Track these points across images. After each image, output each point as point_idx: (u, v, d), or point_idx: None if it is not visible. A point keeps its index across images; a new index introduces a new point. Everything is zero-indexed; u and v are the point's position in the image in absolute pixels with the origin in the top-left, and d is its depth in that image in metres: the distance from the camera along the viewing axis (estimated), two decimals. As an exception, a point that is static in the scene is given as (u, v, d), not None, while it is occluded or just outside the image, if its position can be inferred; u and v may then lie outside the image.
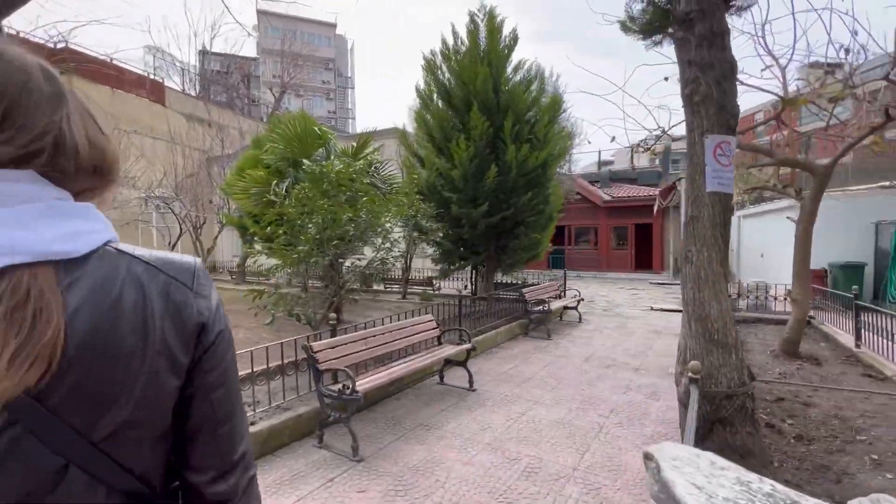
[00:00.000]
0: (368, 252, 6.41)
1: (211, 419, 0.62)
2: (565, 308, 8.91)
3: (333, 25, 47.71)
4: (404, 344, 4.72)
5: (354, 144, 7.55)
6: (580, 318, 8.93)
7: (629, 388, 4.98)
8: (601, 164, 25.46)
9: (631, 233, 19.77)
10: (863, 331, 5.64)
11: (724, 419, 2.40)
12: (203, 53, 31.02)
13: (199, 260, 0.66)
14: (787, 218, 7.20)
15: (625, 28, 3.71)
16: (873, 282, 9.18)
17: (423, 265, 13.14)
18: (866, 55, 4.29)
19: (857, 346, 5.62)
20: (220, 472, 0.63)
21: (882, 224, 9.28)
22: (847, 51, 4.20)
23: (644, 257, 20.57)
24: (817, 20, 4.78)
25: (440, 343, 5.20)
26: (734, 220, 17.30)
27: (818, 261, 10.05)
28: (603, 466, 3.26)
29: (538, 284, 9.18)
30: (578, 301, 9.02)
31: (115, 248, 0.59)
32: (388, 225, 5.99)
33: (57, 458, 0.51)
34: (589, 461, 3.34)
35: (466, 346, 5.03)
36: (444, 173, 7.86)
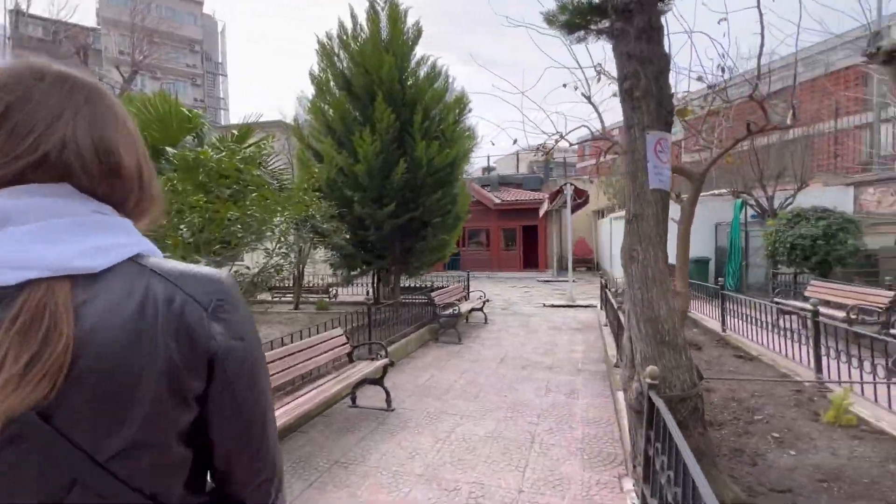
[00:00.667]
0: (252, 258, 5.45)
1: (235, 443, 0.63)
2: (471, 310, 8.84)
3: (200, 3, 42.29)
4: (311, 366, 4.00)
5: (235, 133, 6.43)
6: (486, 319, 8.95)
7: (549, 388, 4.96)
8: (488, 169, 26.65)
9: (519, 234, 20.96)
10: (727, 317, 6.52)
11: (679, 423, 2.30)
12: (17, 13, 24.75)
13: (227, 276, 0.64)
14: (672, 219, 8.05)
15: (550, 21, 3.59)
16: (714, 273, 10.92)
17: (315, 271, 12.08)
18: (731, 75, 4.86)
19: (724, 330, 6.47)
20: (253, 485, 0.65)
21: (720, 225, 11.10)
22: (723, 69, 4.66)
23: (531, 257, 21.98)
24: (688, 42, 5.37)
25: (352, 360, 4.57)
26: (606, 222, 19.48)
27: (674, 256, 11.70)
28: (547, 482, 3.04)
29: (445, 287, 8.95)
30: (484, 302, 9.03)
31: (141, 263, 0.58)
32: (283, 226, 5.14)
33: (62, 475, 0.51)
34: (531, 479, 3.09)
35: (383, 361, 4.50)
36: (346, 169, 7.16)
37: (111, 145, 0.59)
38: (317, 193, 6.37)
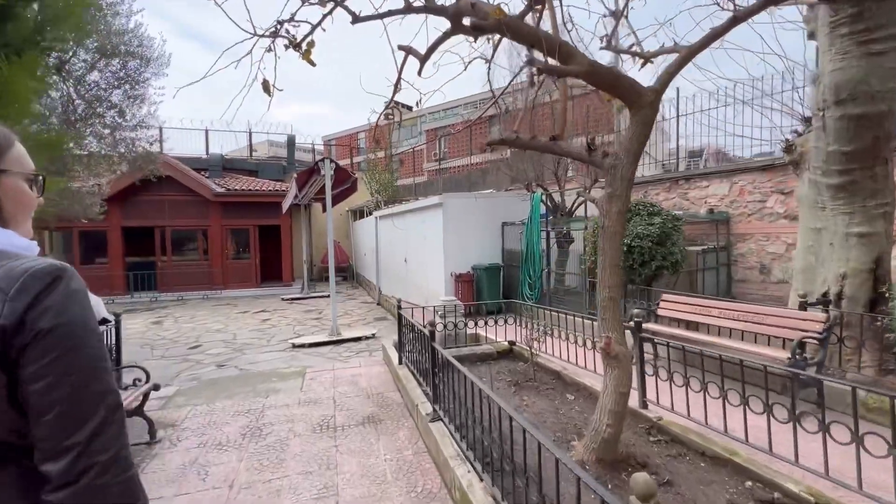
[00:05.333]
0: None
1: (36, 406, 0.71)
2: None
3: None
4: None
5: None
6: (153, 435, 3.84)
7: None
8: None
9: (254, 236, 15.48)
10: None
11: None
12: None
13: (45, 266, 0.75)
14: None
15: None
16: (503, 283, 9.08)
17: None
18: None
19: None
20: (48, 454, 0.71)
21: (507, 225, 9.39)
22: None
23: (271, 267, 16.77)
24: None
25: None
26: (367, 223, 16.35)
27: (467, 262, 9.48)
28: None
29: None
30: (144, 398, 3.93)
31: None
32: None
33: None
34: None
35: None
36: None
37: None
38: None
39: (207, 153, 17.66)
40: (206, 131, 18.77)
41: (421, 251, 9.95)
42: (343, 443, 3.55)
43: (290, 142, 18.85)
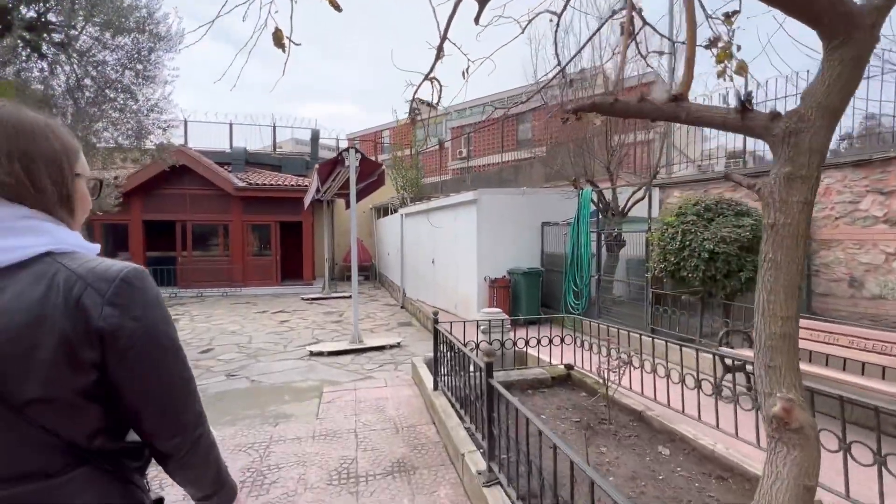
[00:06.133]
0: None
1: (140, 403, 0.79)
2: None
3: None
4: None
5: None
6: None
7: None
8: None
9: (275, 233, 14.95)
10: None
11: None
12: None
13: (131, 270, 0.80)
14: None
15: None
16: (541, 290, 8.12)
17: None
18: None
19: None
20: (163, 437, 0.82)
21: (547, 226, 8.45)
22: None
23: (292, 265, 16.24)
24: None
25: None
26: (391, 221, 15.63)
27: (502, 265, 8.58)
28: None
29: None
30: None
31: (55, 259, 0.76)
32: None
33: None
34: None
35: None
36: None
37: (33, 167, 0.78)
38: None
39: (231, 147, 17.26)
40: (231, 125, 18.43)
41: (451, 252, 9.10)
42: (367, 502, 2.72)
43: (314, 137, 18.30)
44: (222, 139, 18.30)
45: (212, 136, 18.23)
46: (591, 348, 4.14)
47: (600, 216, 7.42)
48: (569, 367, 4.32)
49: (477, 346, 3.99)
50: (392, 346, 7.30)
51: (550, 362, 4.30)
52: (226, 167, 15.39)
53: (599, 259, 6.95)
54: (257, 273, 14.84)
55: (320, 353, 6.88)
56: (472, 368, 2.98)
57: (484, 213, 7.99)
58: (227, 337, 8.17)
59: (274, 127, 18.65)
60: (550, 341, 4.20)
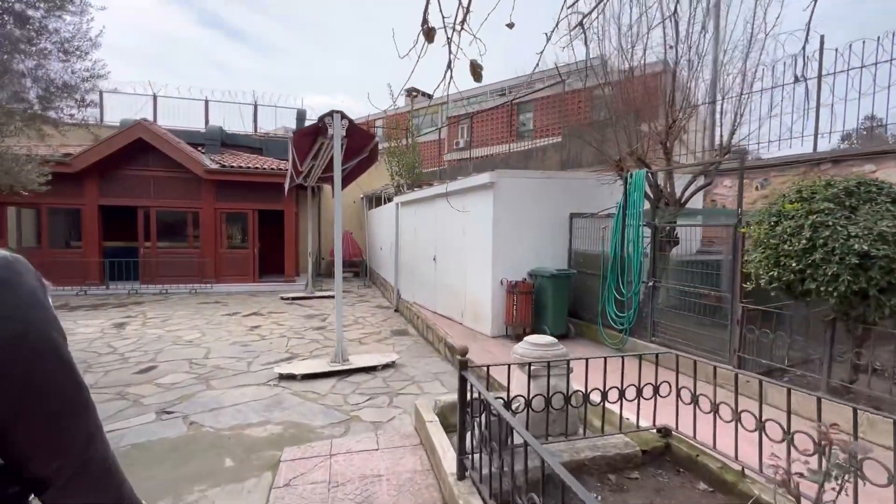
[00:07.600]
0: None
1: (7, 421, 0.64)
2: None
3: None
4: None
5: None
6: None
7: None
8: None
9: (252, 223, 13.20)
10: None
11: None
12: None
13: (11, 264, 0.66)
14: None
15: None
16: (569, 297, 6.54)
17: None
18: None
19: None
20: (39, 461, 0.67)
21: (577, 217, 6.88)
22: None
23: (272, 258, 14.54)
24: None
25: None
26: (386, 210, 13.91)
27: (523, 265, 7.00)
28: None
29: None
30: None
31: None
32: None
33: None
34: None
35: None
36: None
37: None
38: None
39: (206, 126, 15.42)
40: (206, 101, 16.55)
41: (458, 248, 7.50)
42: None
43: (300, 117, 16.51)
44: (198, 118, 16.44)
45: (187, 115, 16.30)
46: (692, 400, 2.59)
47: (648, 206, 5.88)
48: (664, 431, 2.76)
49: (528, 403, 2.41)
50: (385, 367, 5.72)
51: (637, 424, 2.73)
52: (199, 148, 13.58)
53: (654, 261, 5.41)
54: (232, 268, 13.10)
55: (292, 377, 5.27)
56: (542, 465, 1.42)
57: (502, 201, 6.40)
58: (178, 349, 6.51)
59: (255, 105, 16.82)
60: (640, 392, 2.64)
